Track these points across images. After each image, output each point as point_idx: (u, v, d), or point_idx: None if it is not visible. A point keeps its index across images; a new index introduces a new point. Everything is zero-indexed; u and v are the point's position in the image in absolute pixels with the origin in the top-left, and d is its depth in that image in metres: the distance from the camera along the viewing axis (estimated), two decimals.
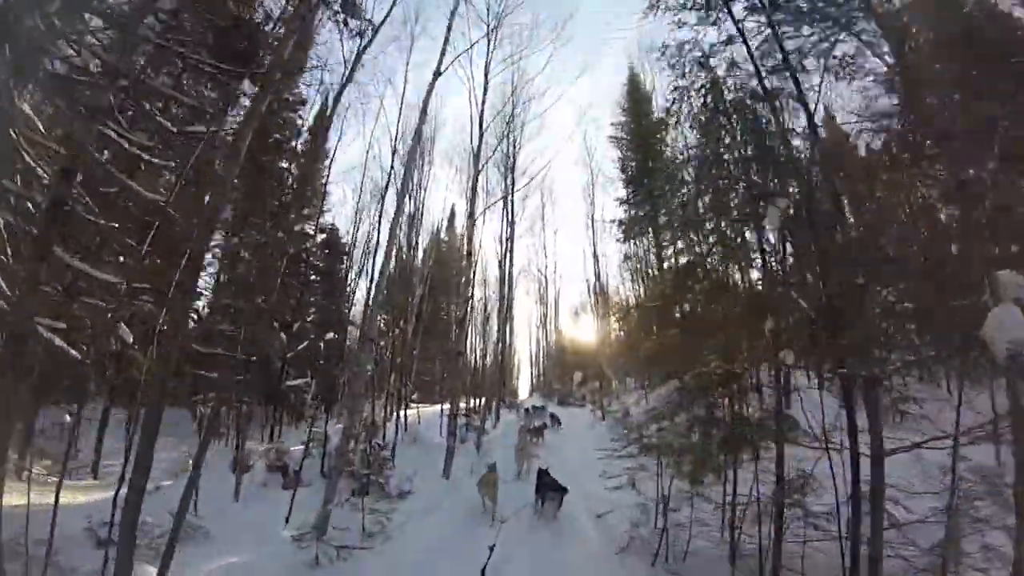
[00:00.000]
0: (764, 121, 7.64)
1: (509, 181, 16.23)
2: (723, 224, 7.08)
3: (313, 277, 21.83)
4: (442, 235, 31.51)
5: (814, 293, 5.96)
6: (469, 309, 16.30)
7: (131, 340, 12.41)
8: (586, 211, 26.26)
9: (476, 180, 12.24)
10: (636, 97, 25.21)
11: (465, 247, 11.94)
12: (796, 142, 7.37)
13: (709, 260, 7.28)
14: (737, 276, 7.90)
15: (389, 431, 12.66)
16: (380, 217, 15.07)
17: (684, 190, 7.63)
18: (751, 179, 7.23)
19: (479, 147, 12.49)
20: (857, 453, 4.81)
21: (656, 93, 19.15)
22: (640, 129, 24.16)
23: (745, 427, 5.76)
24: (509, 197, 16.50)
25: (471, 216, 11.89)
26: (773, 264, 6.79)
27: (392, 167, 13.77)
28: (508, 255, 17.53)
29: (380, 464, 10.01)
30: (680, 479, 6.39)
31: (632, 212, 24.44)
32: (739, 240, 7.15)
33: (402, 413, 15.76)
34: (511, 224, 17.53)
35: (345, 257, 22.19)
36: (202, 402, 16.21)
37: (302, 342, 17.06)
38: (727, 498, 6.37)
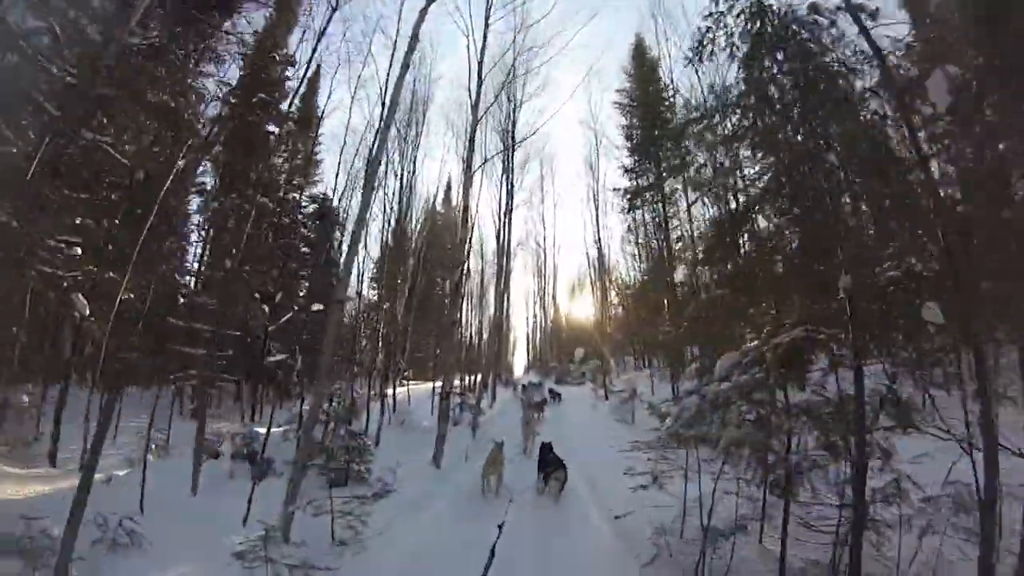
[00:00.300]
0: (819, 52, 6.22)
1: (509, 138, 14.72)
2: (780, 163, 5.66)
3: (304, 249, 20.59)
4: (438, 207, 30.13)
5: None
6: (464, 275, 15.04)
7: (87, 312, 11.13)
8: (588, 183, 24.91)
9: (474, 132, 10.72)
10: (642, 63, 23.67)
11: (461, 204, 10.46)
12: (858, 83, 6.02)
13: (759, 209, 5.88)
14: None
15: (374, 412, 11.34)
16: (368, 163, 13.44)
17: (716, 132, 6.16)
18: (806, 119, 5.83)
19: (478, 96, 10.91)
20: (995, 445, 3.52)
21: (663, 61, 17.63)
22: (647, 96, 22.70)
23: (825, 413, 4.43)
24: (509, 154, 15.06)
25: (467, 170, 10.40)
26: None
27: (383, 113, 12.18)
28: (506, 222, 16.16)
29: (359, 452, 8.74)
30: (750, 481, 5.09)
31: (638, 181, 22.97)
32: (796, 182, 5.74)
33: (390, 392, 14.55)
34: (510, 190, 16.10)
35: (338, 229, 20.77)
36: (180, 380, 14.97)
37: (286, 314, 15.75)
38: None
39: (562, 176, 73.03)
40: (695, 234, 15.61)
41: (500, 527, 5.93)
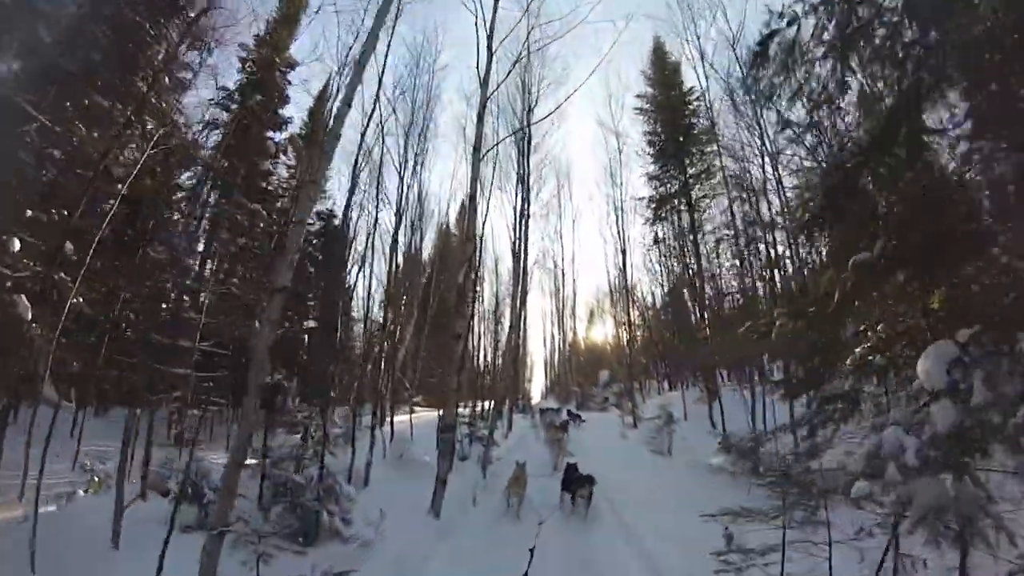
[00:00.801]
0: None
1: (523, 117, 13.15)
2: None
3: (311, 270, 19.29)
4: (452, 228, 28.75)
5: None
6: (475, 276, 13.40)
7: (29, 316, 9.58)
8: (607, 193, 23.21)
9: (483, 109, 9.05)
10: (663, 66, 22.45)
11: (468, 192, 8.75)
12: None
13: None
14: None
15: (366, 444, 9.42)
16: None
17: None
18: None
19: (487, 70, 9.33)
20: None
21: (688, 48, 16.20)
22: (669, 101, 21.51)
23: None
24: (525, 141, 13.48)
25: (476, 150, 8.72)
26: None
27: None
28: (522, 226, 14.51)
29: (335, 499, 6.84)
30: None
31: (662, 189, 21.36)
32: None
33: (389, 420, 12.67)
34: (526, 188, 14.50)
35: (347, 248, 19.49)
36: (157, 401, 13.29)
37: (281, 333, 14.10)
38: None
39: (579, 193, 71.62)
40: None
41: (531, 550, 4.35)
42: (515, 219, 15.62)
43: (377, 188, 13.58)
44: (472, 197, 8.40)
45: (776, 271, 12.81)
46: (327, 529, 6.64)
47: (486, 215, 16.16)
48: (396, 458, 10.35)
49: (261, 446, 7.91)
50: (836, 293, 3.51)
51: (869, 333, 4.38)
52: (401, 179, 13.85)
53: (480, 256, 23.47)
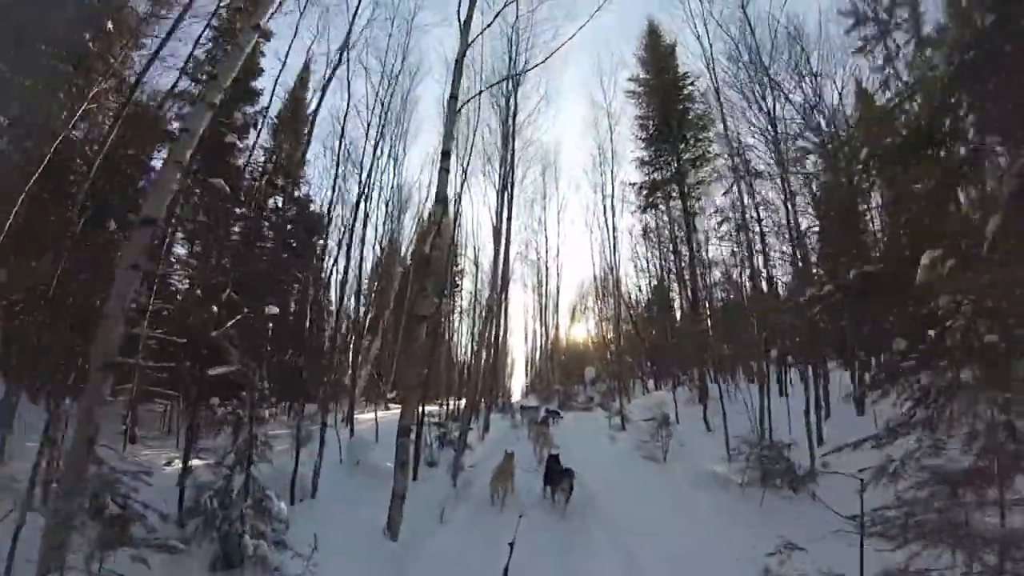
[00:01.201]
0: None
1: (509, 68, 11.93)
2: None
3: (285, 256, 17.79)
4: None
5: None
6: (447, 254, 12.15)
7: None
8: (595, 182, 22.06)
9: (462, 57, 7.71)
10: (656, 47, 21.49)
11: (440, 148, 7.37)
12: None
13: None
14: None
15: (316, 450, 7.98)
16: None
17: None
18: None
19: (470, 9, 8.04)
20: None
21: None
22: (662, 83, 20.46)
23: None
24: (512, 93, 12.22)
25: (453, 99, 7.37)
26: None
27: None
28: (505, 204, 13.25)
29: (266, 518, 5.45)
30: None
31: (655, 175, 20.48)
32: None
33: (347, 419, 11.25)
34: (511, 158, 13.19)
35: (321, 239, 18.16)
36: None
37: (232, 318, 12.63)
38: None
39: (565, 186, 70.50)
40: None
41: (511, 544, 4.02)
42: (499, 186, 14.31)
43: (359, 175, 12.14)
44: (445, 153, 7.05)
45: (795, 251, 11.66)
46: (251, 556, 5.24)
47: (462, 184, 14.87)
48: (353, 464, 8.92)
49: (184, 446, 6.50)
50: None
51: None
52: (375, 155, 12.48)
53: (459, 230, 22.16)
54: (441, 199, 7.27)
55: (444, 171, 6.96)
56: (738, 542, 5.53)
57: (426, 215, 26.32)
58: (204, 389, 10.68)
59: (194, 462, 6.46)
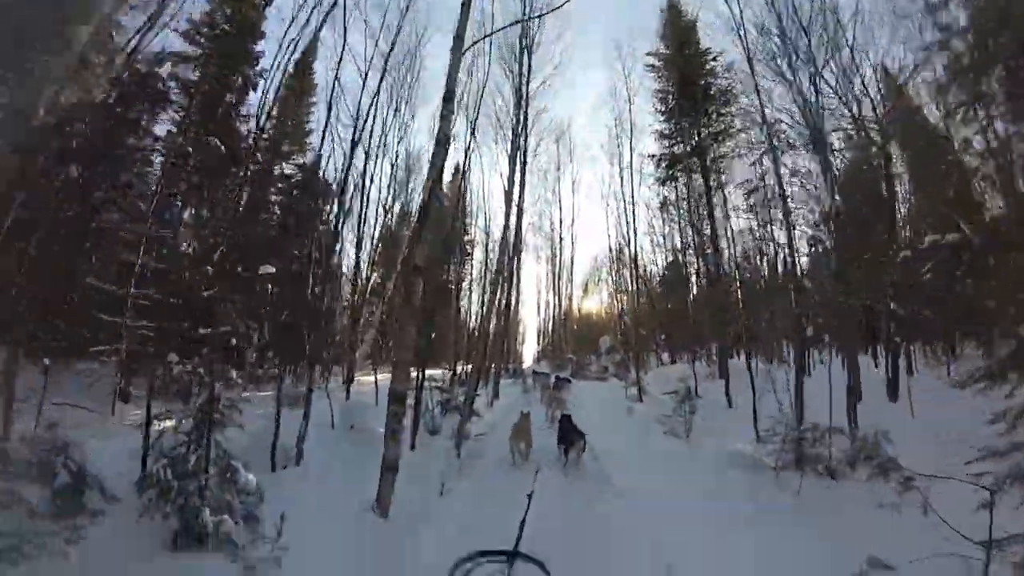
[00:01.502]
0: None
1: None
2: None
3: (291, 220, 16.98)
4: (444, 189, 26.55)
5: None
6: (459, 204, 11.30)
7: None
8: (611, 152, 20.83)
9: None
10: (677, 24, 20.57)
11: (445, 86, 6.31)
12: None
13: None
14: None
15: (300, 414, 7.22)
16: None
17: None
18: None
19: None
20: None
21: None
22: (684, 57, 19.65)
23: None
24: (525, 38, 11.14)
25: (459, 39, 6.34)
26: None
27: None
28: (518, 167, 12.25)
29: (234, 490, 4.71)
30: None
31: (675, 148, 19.81)
32: None
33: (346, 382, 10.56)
34: (524, 120, 12.14)
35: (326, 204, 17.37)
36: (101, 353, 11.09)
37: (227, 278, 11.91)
38: None
39: (579, 158, 68.66)
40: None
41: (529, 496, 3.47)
42: (510, 152, 13.32)
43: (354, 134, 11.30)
44: (448, 97, 6.07)
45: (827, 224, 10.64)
46: (216, 535, 4.52)
47: (469, 146, 13.81)
48: (347, 428, 8.21)
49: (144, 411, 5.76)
50: None
51: None
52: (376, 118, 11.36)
53: (469, 197, 21.13)
54: (442, 141, 6.30)
55: (446, 115, 6.05)
56: (789, 548, 4.71)
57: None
58: (163, 347, 10.05)
59: (166, 424, 5.74)
